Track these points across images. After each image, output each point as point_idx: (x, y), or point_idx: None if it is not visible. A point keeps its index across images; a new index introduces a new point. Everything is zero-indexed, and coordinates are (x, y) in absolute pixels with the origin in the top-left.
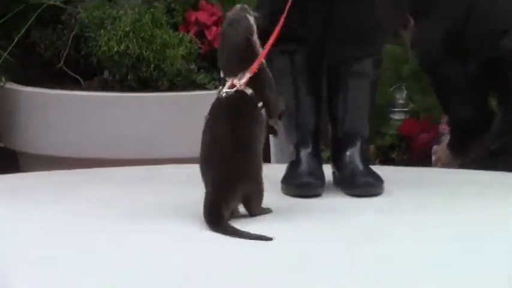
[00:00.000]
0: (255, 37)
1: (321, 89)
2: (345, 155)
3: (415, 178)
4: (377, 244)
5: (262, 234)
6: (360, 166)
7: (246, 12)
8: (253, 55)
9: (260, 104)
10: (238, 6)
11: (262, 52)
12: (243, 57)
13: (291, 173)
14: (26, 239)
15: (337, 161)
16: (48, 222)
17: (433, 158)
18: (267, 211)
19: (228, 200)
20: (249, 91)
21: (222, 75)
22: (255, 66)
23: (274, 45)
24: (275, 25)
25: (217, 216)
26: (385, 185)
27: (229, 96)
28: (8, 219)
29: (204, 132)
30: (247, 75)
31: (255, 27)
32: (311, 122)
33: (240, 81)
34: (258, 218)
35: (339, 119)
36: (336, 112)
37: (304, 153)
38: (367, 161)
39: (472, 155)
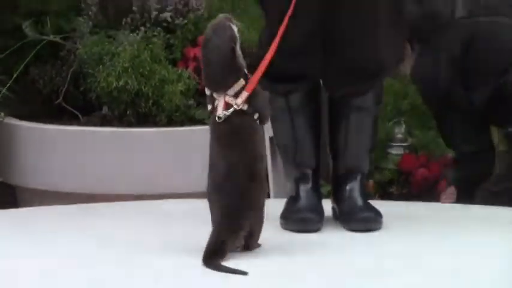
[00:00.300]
0: (238, 48)
1: (319, 125)
2: (345, 189)
3: (414, 213)
4: (374, 279)
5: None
6: (360, 201)
7: (230, 22)
8: (239, 66)
9: (256, 116)
10: (221, 15)
11: (259, 68)
12: (230, 68)
13: (290, 208)
14: (24, 274)
15: (337, 195)
16: (46, 257)
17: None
18: (258, 245)
19: (238, 231)
20: (245, 107)
21: (208, 92)
22: (252, 85)
23: (271, 83)
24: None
25: (220, 254)
26: (384, 219)
27: (230, 119)
28: (5, 254)
29: (215, 161)
30: (244, 94)
31: (238, 37)
32: (311, 161)
33: (236, 101)
34: (257, 252)
35: (340, 153)
36: (337, 146)
37: (304, 188)
38: (366, 196)
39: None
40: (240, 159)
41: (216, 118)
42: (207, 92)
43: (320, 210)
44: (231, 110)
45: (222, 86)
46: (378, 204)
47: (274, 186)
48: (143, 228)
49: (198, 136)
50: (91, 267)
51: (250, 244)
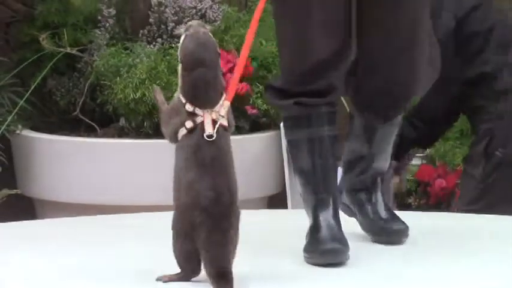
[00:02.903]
0: None
1: (337, 148)
2: (367, 202)
3: (433, 223)
4: None
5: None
6: (385, 213)
7: (205, 28)
8: (221, 79)
9: (231, 130)
10: (195, 22)
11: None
12: (217, 81)
13: (313, 240)
14: (36, 285)
15: (357, 208)
16: (65, 269)
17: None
18: None
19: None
20: (225, 121)
21: (190, 108)
22: (231, 94)
23: (290, 97)
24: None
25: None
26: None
27: (220, 136)
28: (23, 266)
29: (198, 189)
30: (226, 104)
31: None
32: (330, 185)
33: (219, 113)
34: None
35: (363, 160)
36: (361, 153)
37: (324, 217)
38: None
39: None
40: (228, 186)
41: (205, 137)
42: (188, 108)
43: (344, 239)
44: (218, 125)
45: (211, 102)
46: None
47: (292, 197)
48: (161, 240)
49: None
50: (110, 281)
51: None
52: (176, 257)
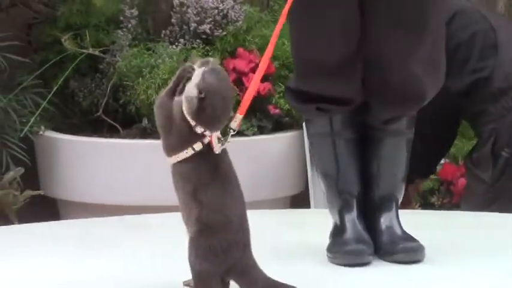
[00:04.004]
0: None
1: (360, 149)
2: (380, 221)
3: (456, 222)
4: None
5: None
6: (399, 231)
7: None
8: None
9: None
10: (210, 59)
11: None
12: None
13: (337, 241)
14: (61, 286)
15: (370, 226)
16: (87, 270)
17: None
18: None
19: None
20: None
21: (199, 130)
22: (245, 107)
23: (311, 104)
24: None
25: None
26: (426, 228)
27: (223, 153)
28: (47, 267)
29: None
30: (238, 118)
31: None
32: (354, 187)
33: (230, 125)
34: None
35: (373, 181)
36: (370, 173)
37: (349, 218)
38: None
39: None
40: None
41: (217, 151)
42: (199, 130)
43: (369, 241)
44: (228, 139)
45: (222, 124)
46: (419, 214)
47: (315, 196)
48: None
49: (238, 147)
50: (134, 283)
51: None
52: (196, 273)
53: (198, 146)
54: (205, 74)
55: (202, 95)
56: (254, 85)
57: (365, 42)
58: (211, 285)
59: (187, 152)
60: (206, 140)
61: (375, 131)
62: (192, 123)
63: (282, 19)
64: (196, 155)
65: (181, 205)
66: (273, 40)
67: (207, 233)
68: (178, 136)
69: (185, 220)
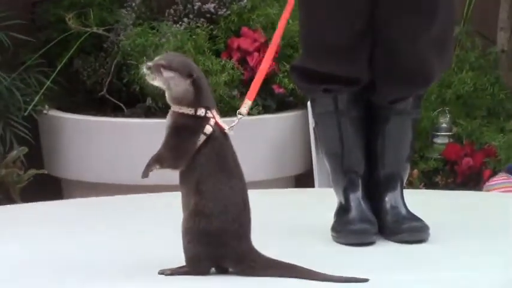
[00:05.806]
0: None
1: (365, 128)
2: (385, 200)
3: (460, 202)
4: (419, 271)
5: None
6: (403, 211)
7: None
8: None
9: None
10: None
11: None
12: None
13: (341, 220)
14: (64, 265)
15: (375, 205)
16: (91, 249)
17: None
18: None
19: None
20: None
21: (202, 112)
22: (254, 92)
23: (317, 83)
24: (320, 67)
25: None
26: (430, 208)
27: (224, 136)
28: (50, 246)
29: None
30: (249, 103)
31: None
32: (360, 166)
33: (240, 111)
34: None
35: (379, 160)
36: (375, 152)
37: (354, 197)
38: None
39: None
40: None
41: (228, 131)
42: (201, 113)
43: (373, 220)
44: (238, 120)
45: (214, 103)
46: (423, 193)
47: (319, 176)
48: None
49: (242, 127)
50: (137, 261)
51: None
52: (187, 258)
53: (208, 130)
54: (162, 62)
55: (194, 76)
56: (263, 71)
57: (374, 23)
58: (203, 269)
59: (200, 140)
60: (212, 122)
61: (380, 110)
62: (191, 111)
63: (290, 5)
64: (203, 146)
65: (182, 192)
66: (282, 25)
67: (201, 218)
68: (187, 134)
69: (183, 207)
